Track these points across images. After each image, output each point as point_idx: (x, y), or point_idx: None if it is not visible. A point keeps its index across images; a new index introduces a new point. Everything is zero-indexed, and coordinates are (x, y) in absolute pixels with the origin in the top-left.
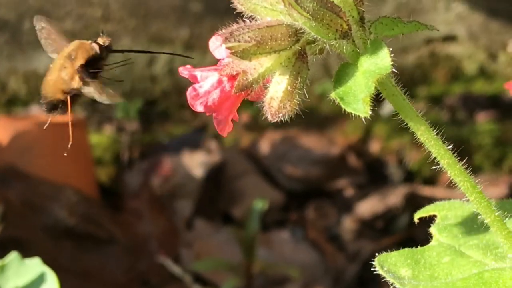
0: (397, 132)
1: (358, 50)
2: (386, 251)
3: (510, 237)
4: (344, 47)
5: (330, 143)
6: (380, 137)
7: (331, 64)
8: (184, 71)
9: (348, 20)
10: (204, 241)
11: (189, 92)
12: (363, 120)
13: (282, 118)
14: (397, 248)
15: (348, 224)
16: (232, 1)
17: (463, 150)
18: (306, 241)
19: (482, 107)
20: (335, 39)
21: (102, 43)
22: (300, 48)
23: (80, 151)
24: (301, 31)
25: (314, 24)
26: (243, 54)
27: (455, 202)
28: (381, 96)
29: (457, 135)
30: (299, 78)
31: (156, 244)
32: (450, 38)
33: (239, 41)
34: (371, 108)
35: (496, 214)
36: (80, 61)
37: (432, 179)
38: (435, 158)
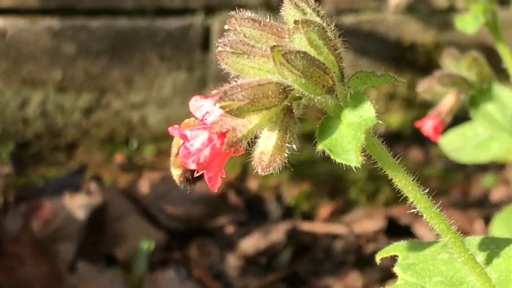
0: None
1: (341, 104)
2: (272, 287)
3: (483, 274)
4: (329, 102)
5: None
6: (258, 174)
7: None
8: (174, 131)
9: (332, 76)
10: (88, 284)
11: (181, 151)
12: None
13: (272, 171)
14: (282, 284)
15: (232, 261)
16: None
17: (338, 185)
18: (191, 280)
19: None
20: (321, 95)
21: None
22: (288, 104)
23: None
24: (289, 88)
25: (304, 81)
26: (237, 112)
27: (413, 241)
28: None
29: (332, 171)
30: (288, 133)
31: None
32: None
33: (233, 100)
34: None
35: (470, 253)
36: None
37: (310, 214)
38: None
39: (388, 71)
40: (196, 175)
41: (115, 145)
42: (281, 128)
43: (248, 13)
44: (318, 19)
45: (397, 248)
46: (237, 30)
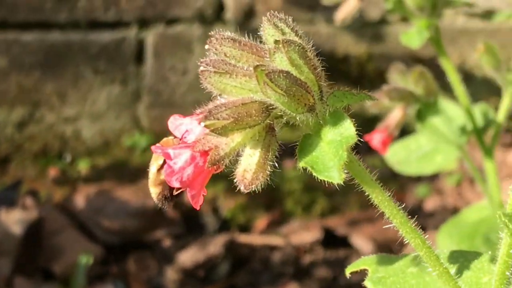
0: (211, 181)
1: (321, 122)
2: None
3: (456, 287)
4: (309, 120)
5: (146, 195)
6: None
7: (140, 117)
8: (157, 150)
9: (313, 94)
10: None
11: (165, 169)
12: (337, 186)
13: (255, 189)
14: None
15: (170, 274)
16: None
17: (275, 197)
18: None
19: (287, 154)
20: (303, 113)
21: None
22: (270, 122)
23: None
24: (271, 106)
25: (286, 100)
26: (222, 131)
27: (382, 255)
28: None
29: (267, 183)
30: (270, 151)
31: None
32: None
33: (217, 119)
34: None
35: (444, 267)
36: None
37: (247, 226)
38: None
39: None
40: (175, 193)
41: (48, 159)
42: (264, 146)
43: (228, 33)
44: (297, 39)
45: (366, 262)
46: (218, 49)
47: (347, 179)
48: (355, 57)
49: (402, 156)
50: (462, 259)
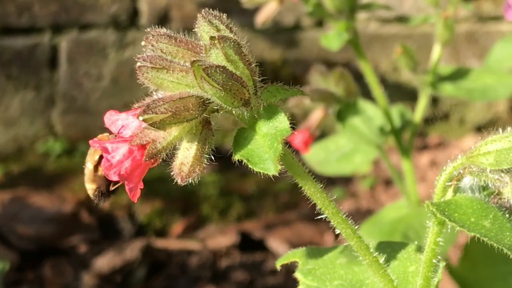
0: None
1: (255, 116)
2: None
3: (386, 275)
4: (244, 114)
5: (62, 201)
6: None
7: (54, 123)
8: (95, 144)
9: (249, 89)
10: None
11: (103, 163)
12: (271, 177)
13: (191, 181)
14: None
15: (87, 280)
16: None
17: (191, 202)
18: None
19: None
20: (238, 107)
21: None
22: (207, 116)
23: None
24: (208, 101)
25: (223, 94)
26: (160, 125)
27: (311, 248)
28: None
29: (183, 188)
30: (206, 144)
31: None
32: None
33: (156, 113)
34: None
35: (373, 256)
36: None
37: (163, 230)
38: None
39: None
40: (111, 188)
41: None
42: (200, 140)
43: (164, 30)
44: (231, 35)
45: (296, 254)
46: (154, 46)
47: (282, 170)
48: (270, 62)
49: (322, 157)
50: (389, 250)
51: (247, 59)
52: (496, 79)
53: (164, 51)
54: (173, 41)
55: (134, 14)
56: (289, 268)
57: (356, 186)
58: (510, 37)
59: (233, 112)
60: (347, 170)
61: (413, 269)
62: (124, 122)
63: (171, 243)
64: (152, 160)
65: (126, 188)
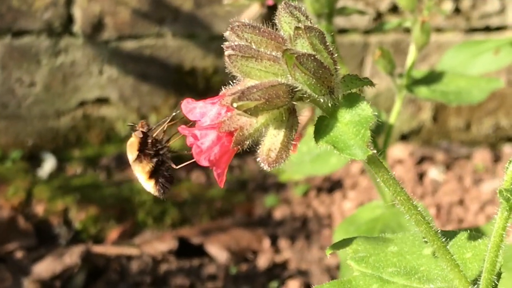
0: (60, 193)
1: (337, 104)
2: None
3: (452, 260)
4: (328, 102)
5: None
6: (43, 199)
7: None
8: (184, 130)
9: (335, 77)
10: None
11: (194, 149)
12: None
13: (278, 166)
14: None
15: (27, 286)
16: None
17: (126, 208)
18: None
19: None
20: (325, 95)
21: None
22: (294, 104)
23: None
24: (296, 89)
25: (313, 82)
26: (253, 111)
27: (360, 237)
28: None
29: (117, 194)
30: (293, 131)
31: None
32: (102, 101)
33: (250, 100)
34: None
35: (441, 241)
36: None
37: (99, 237)
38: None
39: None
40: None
41: None
42: (288, 127)
43: (247, 20)
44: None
45: (345, 243)
46: (240, 36)
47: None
48: (202, 70)
49: (295, 159)
50: (444, 238)
51: (330, 48)
52: (469, 82)
53: (248, 41)
54: (257, 31)
55: (68, 21)
56: (228, 273)
57: (289, 193)
58: (460, 46)
59: (318, 100)
60: (323, 171)
61: (469, 255)
62: (202, 110)
63: (109, 249)
64: (238, 146)
65: (214, 173)
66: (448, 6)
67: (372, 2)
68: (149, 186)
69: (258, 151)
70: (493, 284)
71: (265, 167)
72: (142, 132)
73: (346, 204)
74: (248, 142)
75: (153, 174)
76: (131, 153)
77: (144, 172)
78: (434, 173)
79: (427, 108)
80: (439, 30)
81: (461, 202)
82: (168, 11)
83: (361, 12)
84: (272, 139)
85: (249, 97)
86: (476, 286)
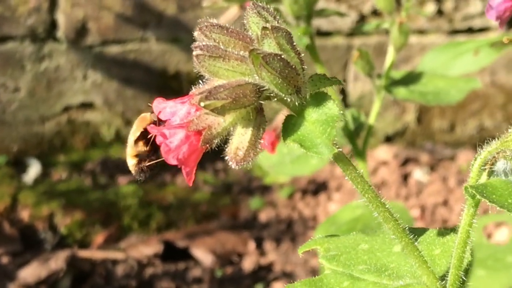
0: (45, 198)
1: (304, 103)
2: None
3: (420, 256)
4: (295, 101)
5: None
6: (28, 204)
7: None
8: (153, 129)
9: (302, 77)
10: None
11: (163, 148)
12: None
13: (246, 165)
14: None
15: None
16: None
17: (111, 212)
18: None
19: (121, 170)
20: (292, 94)
21: None
22: (261, 103)
23: None
24: (262, 88)
25: (280, 81)
26: (220, 110)
27: (332, 235)
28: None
29: (103, 199)
30: (261, 130)
31: None
32: (87, 106)
33: (217, 99)
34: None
35: (409, 238)
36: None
37: (85, 241)
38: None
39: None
40: (149, 164)
41: None
42: (255, 125)
43: (215, 21)
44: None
45: (318, 242)
46: (208, 36)
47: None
48: (187, 73)
49: (275, 160)
50: (413, 235)
51: (297, 48)
52: (447, 83)
53: (216, 41)
54: (225, 31)
55: (51, 26)
56: (214, 276)
57: (274, 195)
58: (441, 47)
59: (285, 99)
60: (304, 171)
61: (438, 252)
62: (172, 110)
63: (94, 253)
64: (207, 145)
65: (183, 172)
66: (430, 8)
67: (355, 5)
68: (131, 163)
69: (227, 149)
70: (461, 280)
71: (233, 166)
72: (158, 119)
73: (331, 206)
74: (216, 141)
75: (140, 157)
76: (137, 127)
77: (134, 150)
78: (418, 174)
79: (411, 110)
80: (422, 32)
81: (445, 203)
82: (152, 16)
83: (341, 14)
84: (240, 138)
85: (216, 96)
86: (444, 282)
